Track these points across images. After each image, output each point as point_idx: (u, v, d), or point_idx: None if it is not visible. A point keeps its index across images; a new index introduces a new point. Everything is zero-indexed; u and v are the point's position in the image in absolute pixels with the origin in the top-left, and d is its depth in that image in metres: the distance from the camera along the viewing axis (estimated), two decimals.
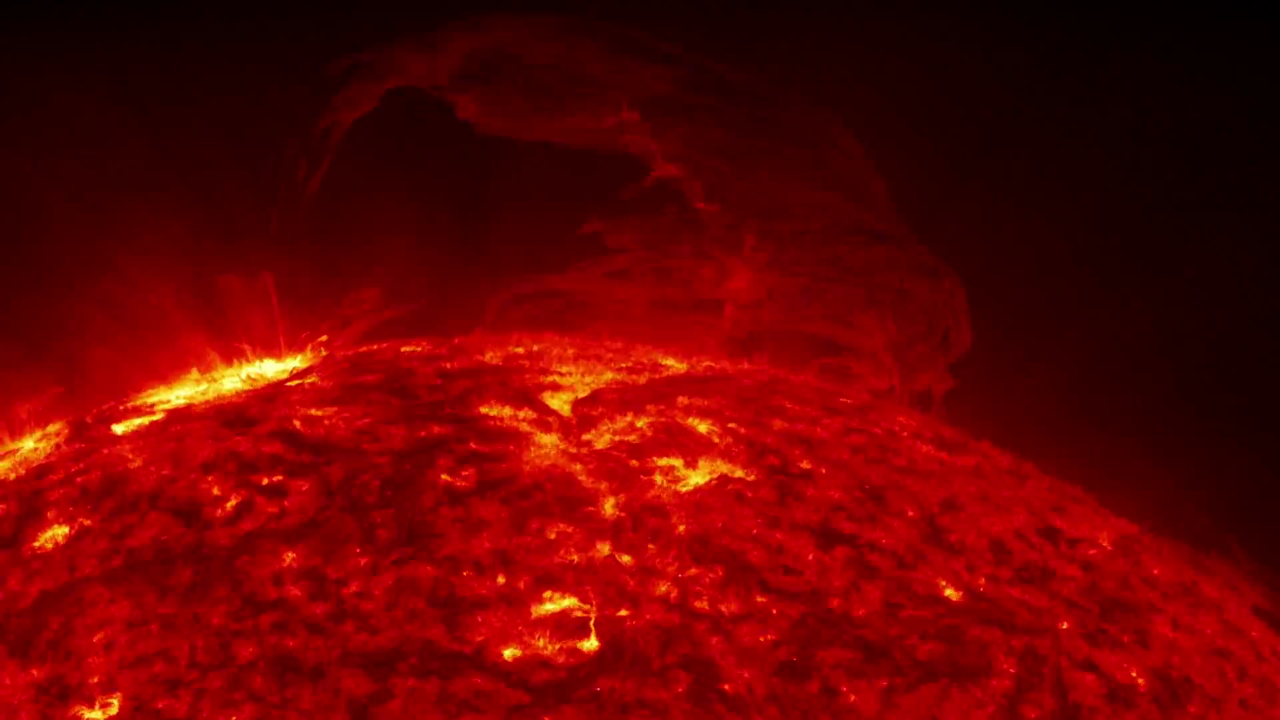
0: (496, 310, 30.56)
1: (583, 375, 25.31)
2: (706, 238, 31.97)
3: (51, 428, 24.88)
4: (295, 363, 26.92)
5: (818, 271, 31.46)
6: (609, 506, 21.06)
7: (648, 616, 19.49)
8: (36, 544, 21.02)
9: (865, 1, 34.06)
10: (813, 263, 31.43)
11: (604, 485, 21.48)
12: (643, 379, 25.55)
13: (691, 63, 32.94)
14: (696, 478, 22.05)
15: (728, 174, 32.05)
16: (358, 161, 31.93)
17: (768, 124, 32.80)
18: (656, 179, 32.24)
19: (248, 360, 27.01)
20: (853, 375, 31.04)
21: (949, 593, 21.14)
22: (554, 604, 19.51)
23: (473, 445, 22.16)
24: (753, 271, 31.60)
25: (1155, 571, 23.92)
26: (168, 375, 26.48)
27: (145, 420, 24.13)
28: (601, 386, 24.75)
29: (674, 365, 27.14)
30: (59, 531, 21.15)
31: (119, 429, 23.95)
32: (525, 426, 22.92)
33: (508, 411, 23.30)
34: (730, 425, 23.61)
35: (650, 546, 20.47)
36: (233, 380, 26.06)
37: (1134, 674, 20.95)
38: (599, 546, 20.36)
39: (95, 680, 18.75)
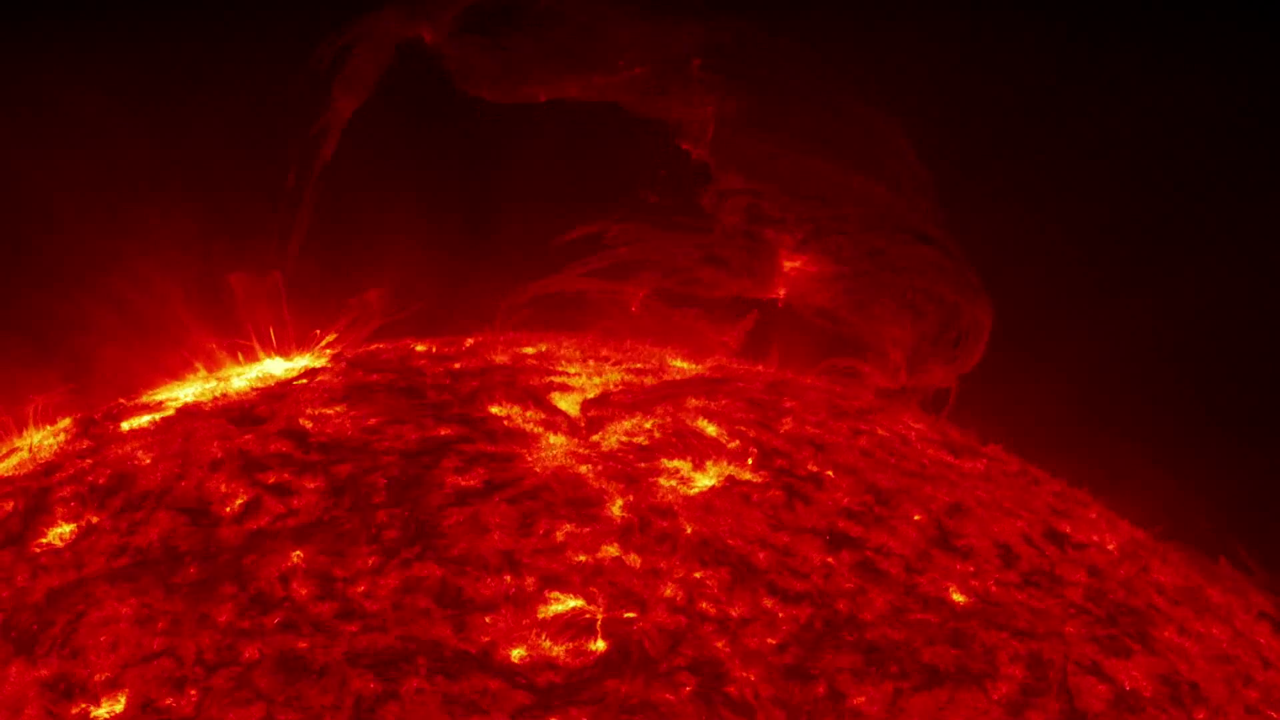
0: (505, 310, 30.44)
1: (591, 376, 25.29)
2: (735, 224, 31.25)
3: (59, 425, 24.90)
4: (304, 361, 26.91)
5: (858, 265, 30.76)
6: (617, 508, 21.05)
7: (654, 618, 19.49)
8: (44, 541, 21.05)
9: (870, 3, 33.99)
10: (853, 254, 30.68)
11: (612, 487, 21.48)
12: (651, 380, 25.54)
13: (729, 28, 31.72)
14: (704, 480, 22.05)
15: (762, 152, 31.13)
16: (366, 159, 31.87)
17: (810, 104, 31.71)
18: (678, 161, 31.54)
19: (256, 358, 27.01)
20: (862, 377, 30.88)
21: (956, 597, 21.14)
22: (561, 605, 19.51)
23: (481, 445, 22.17)
24: (786, 257, 30.92)
25: (1162, 577, 23.91)
26: (176, 373, 26.47)
27: (153, 418, 24.15)
28: (610, 387, 24.74)
29: (683, 366, 27.12)
30: (66, 529, 21.18)
31: (127, 426, 23.98)
32: (533, 427, 22.92)
33: (516, 412, 23.30)
34: (738, 427, 23.60)
35: (657, 548, 20.47)
36: (241, 378, 26.05)
37: (1140, 679, 20.93)
38: (606, 548, 20.36)
39: (101, 678, 18.78)
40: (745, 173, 30.79)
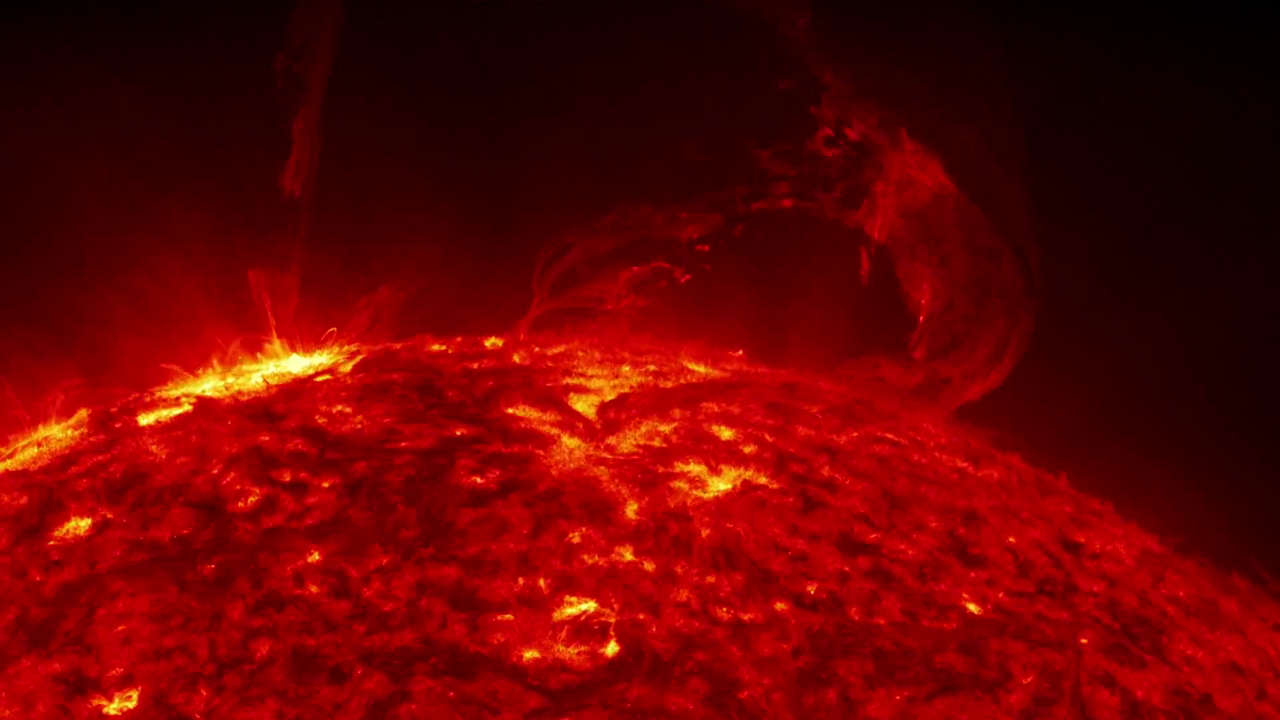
0: (524, 310, 30.45)
1: (608, 378, 25.30)
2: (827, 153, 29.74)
3: (76, 418, 24.92)
4: (321, 359, 26.95)
5: (951, 250, 29.44)
6: (631, 511, 21.04)
7: (668, 622, 19.48)
8: (58, 535, 21.08)
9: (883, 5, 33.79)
10: (942, 237, 29.29)
11: (627, 490, 21.46)
12: (668, 383, 25.54)
13: None
14: (720, 484, 22.02)
15: (867, 69, 28.71)
16: (385, 156, 31.89)
17: (915, 31, 29.02)
18: (702, 151, 30.64)
19: (274, 355, 27.04)
20: (879, 381, 30.78)
21: (969, 605, 21.09)
22: (574, 608, 19.50)
23: (497, 446, 22.18)
24: (890, 186, 29.38)
25: (1177, 588, 23.82)
26: (193, 368, 26.52)
27: (170, 413, 24.19)
28: (627, 390, 24.75)
29: (700, 369, 27.11)
30: (81, 523, 21.20)
31: (143, 421, 24.01)
32: (550, 429, 22.92)
33: (533, 413, 23.31)
34: (755, 431, 23.58)
35: (672, 552, 20.45)
36: (258, 375, 26.10)
37: (1153, 690, 20.87)
38: (620, 551, 20.35)
39: (114, 673, 18.79)
40: (850, 86, 29.07)
